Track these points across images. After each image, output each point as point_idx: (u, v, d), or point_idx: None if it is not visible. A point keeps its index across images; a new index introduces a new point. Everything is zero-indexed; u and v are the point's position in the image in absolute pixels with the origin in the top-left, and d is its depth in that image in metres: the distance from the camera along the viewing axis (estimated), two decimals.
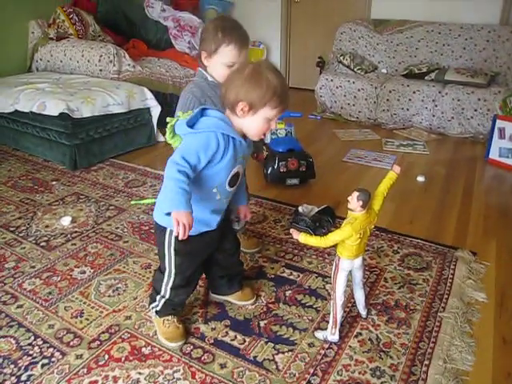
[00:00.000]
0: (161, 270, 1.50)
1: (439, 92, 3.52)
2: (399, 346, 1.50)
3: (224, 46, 1.52)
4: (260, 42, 5.03)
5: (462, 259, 1.97)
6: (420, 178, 2.79)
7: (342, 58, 4.10)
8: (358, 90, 3.81)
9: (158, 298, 1.52)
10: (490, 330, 1.59)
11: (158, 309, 1.54)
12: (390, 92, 3.67)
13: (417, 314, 1.65)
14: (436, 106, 3.53)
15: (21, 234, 2.21)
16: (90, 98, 2.92)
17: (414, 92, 3.59)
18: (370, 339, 1.53)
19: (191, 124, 1.26)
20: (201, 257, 1.50)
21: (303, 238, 1.37)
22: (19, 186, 2.73)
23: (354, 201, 1.33)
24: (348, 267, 1.43)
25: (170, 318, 1.54)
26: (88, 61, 3.47)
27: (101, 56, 3.41)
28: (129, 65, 3.54)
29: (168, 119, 1.30)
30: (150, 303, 1.57)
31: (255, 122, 1.29)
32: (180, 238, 1.20)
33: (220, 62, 1.57)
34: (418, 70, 3.76)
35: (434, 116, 3.57)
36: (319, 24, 4.77)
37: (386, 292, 1.77)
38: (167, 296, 1.50)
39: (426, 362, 1.43)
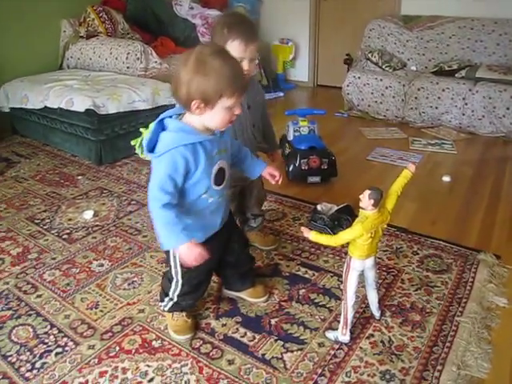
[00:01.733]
0: (168, 278, 1.49)
1: (469, 90, 3.38)
2: (412, 350, 1.46)
3: (230, 42, 1.52)
4: (288, 39, 4.99)
5: (484, 262, 1.89)
6: (445, 178, 2.70)
7: (370, 55, 4.02)
8: (386, 87, 3.72)
9: (166, 299, 1.52)
10: (509, 337, 1.51)
11: (166, 308, 1.54)
12: (419, 90, 3.56)
13: (433, 317, 1.60)
14: (466, 104, 3.40)
15: (45, 227, 2.28)
16: (115, 95, 2.98)
17: (444, 90, 3.47)
18: (382, 341, 1.49)
19: (152, 145, 1.20)
20: (208, 266, 1.41)
21: (313, 236, 1.35)
22: (47, 180, 2.83)
23: (365, 199, 1.30)
24: (359, 267, 1.40)
25: (178, 312, 1.55)
26: (116, 58, 3.54)
27: (128, 53, 3.48)
28: (156, 62, 3.59)
29: (133, 142, 1.26)
30: (160, 301, 1.57)
31: (216, 116, 1.19)
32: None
33: None
34: (448, 67, 3.64)
35: (463, 115, 3.44)
36: (348, 21, 4.69)
37: (402, 294, 1.72)
38: (175, 300, 1.50)
39: (439, 368, 1.39)
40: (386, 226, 1.38)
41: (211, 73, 1.13)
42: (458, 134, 3.46)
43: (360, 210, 1.34)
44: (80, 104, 2.88)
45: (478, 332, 1.52)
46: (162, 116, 1.25)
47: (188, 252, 1.22)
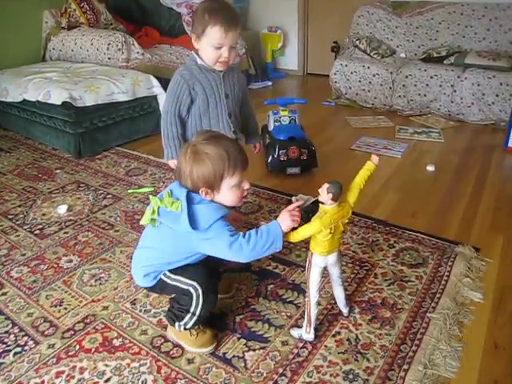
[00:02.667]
0: (183, 294, 1.35)
1: (458, 77, 3.30)
2: (379, 348, 1.41)
3: (210, 28, 1.50)
4: (277, 27, 4.89)
5: (461, 255, 1.84)
6: (430, 168, 2.63)
7: (358, 42, 3.92)
8: (373, 75, 3.64)
9: (187, 317, 1.37)
10: (481, 334, 1.46)
11: (188, 326, 1.39)
12: (407, 77, 3.48)
13: (404, 313, 1.55)
14: (455, 91, 3.32)
15: (18, 222, 2.24)
16: (93, 87, 2.92)
17: (432, 77, 3.39)
18: (348, 339, 1.45)
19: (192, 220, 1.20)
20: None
21: None
22: (24, 175, 2.78)
23: (324, 193, 1.24)
24: (321, 263, 1.35)
25: (196, 327, 1.42)
26: (97, 49, 3.47)
27: (109, 44, 3.40)
28: (138, 52, 3.52)
29: (148, 215, 1.25)
30: (176, 321, 1.40)
31: (226, 197, 1.26)
32: None
33: (208, 44, 1.55)
34: (437, 53, 3.55)
35: (452, 102, 3.36)
36: (337, 8, 4.58)
37: (374, 289, 1.67)
38: (198, 313, 1.36)
39: (405, 367, 1.34)
40: (347, 220, 1.32)
41: (206, 159, 1.21)
42: (446, 121, 3.39)
43: (320, 204, 1.29)
44: (57, 97, 2.82)
45: (449, 329, 1.47)
46: (185, 191, 1.24)
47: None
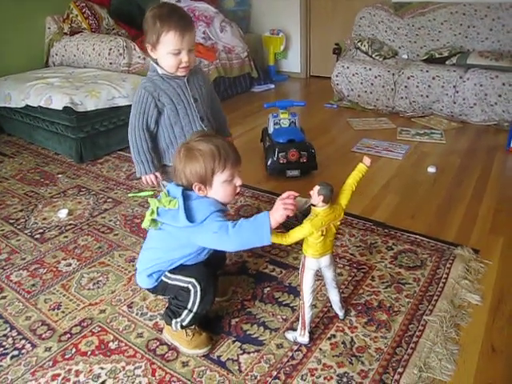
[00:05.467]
0: (183, 291, 1.37)
1: (460, 77, 3.28)
2: (374, 351, 1.40)
3: (164, 35, 1.45)
4: (280, 30, 4.90)
5: (460, 257, 1.82)
6: (431, 169, 2.61)
7: (359, 44, 3.91)
8: (375, 76, 3.62)
9: (184, 313, 1.38)
10: (478, 337, 1.45)
11: (184, 324, 1.40)
12: (409, 78, 3.46)
13: (400, 316, 1.54)
14: (457, 92, 3.29)
15: (19, 227, 2.26)
16: (94, 92, 2.94)
17: (434, 78, 3.37)
18: (343, 342, 1.44)
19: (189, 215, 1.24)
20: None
21: None
22: (27, 179, 2.81)
23: (315, 195, 1.24)
24: (314, 266, 1.34)
25: (192, 326, 1.43)
26: (99, 54, 3.50)
27: (110, 49, 3.43)
28: (139, 57, 3.54)
29: (149, 216, 1.28)
30: (173, 318, 1.41)
31: (218, 192, 1.30)
32: None
33: (165, 52, 1.50)
34: (439, 54, 3.52)
35: (454, 103, 3.33)
36: (339, 10, 4.58)
37: (371, 292, 1.66)
38: (195, 310, 1.37)
39: (400, 370, 1.33)
40: (339, 222, 1.32)
41: (197, 156, 1.25)
42: (449, 122, 3.36)
43: (311, 207, 1.29)
44: (58, 102, 2.85)
45: (445, 332, 1.46)
46: (181, 188, 1.28)
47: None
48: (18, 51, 3.73)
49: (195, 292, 1.35)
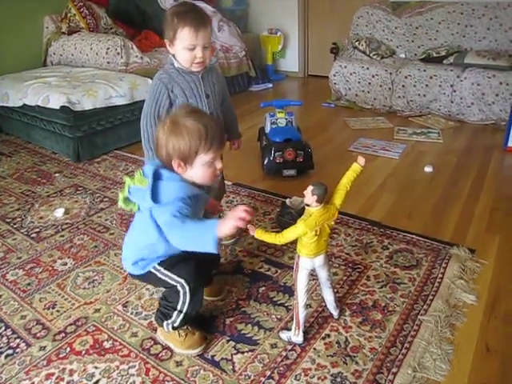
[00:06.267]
0: (171, 291, 1.37)
1: (458, 76, 3.28)
2: (368, 351, 1.40)
3: (180, 30, 1.53)
4: (278, 29, 4.90)
5: (456, 257, 1.82)
6: (427, 169, 2.61)
7: (357, 43, 3.91)
8: (373, 76, 3.63)
9: (174, 314, 1.38)
10: (473, 337, 1.45)
11: (175, 325, 1.40)
12: (406, 78, 3.46)
13: (395, 316, 1.53)
14: (454, 91, 3.30)
15: (15, 226, 2.26)
16: (91, 91, 2.94)
17: (431, 77, 3.37)
18: (337, 342, 1.44)
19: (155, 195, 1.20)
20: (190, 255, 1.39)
21: (259, 234, 1.29)
22: (24, 178, 2.80)
23: (308, 195, 1.24)
24: (308, 266, 1.34)
25: (184, 327, 1.43)
26: (96, 53, 3.49)
27: (108, 48, 3.43)
28: (137, 56, 3.53)
29: (120, 195, 1.25)
30: (164, 320, 1.41)
31: (198, 173, 1.25)
32: None
33: (181, 47, 1.57)
34: (437, 53, 3.52)
35: (452, 102, 3.34)
36: (337, 9, 4.58)
37: (366, 291, 1.66)
38: (185, 310, 1.37)
39: (394, 370, 1.33)
40: (333, 222, 1.31)
41: (183, 132, 1.20)
42: (446, 122, 3.36)
43: (305, 206, 1.28)
44: (55, 101, 2.85)
45: (440, 331, 1.46)
46: (153, 168, 1.23)
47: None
48: (16, 50, 3.72)
49: (184, 293, 1.34)
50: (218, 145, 1.24)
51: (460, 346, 1.41)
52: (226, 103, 1.86)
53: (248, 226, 1.32)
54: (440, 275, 1.73)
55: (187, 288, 1.33)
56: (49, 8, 3.86)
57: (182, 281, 1.33)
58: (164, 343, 1.46)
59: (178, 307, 1.36)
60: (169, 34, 1.57)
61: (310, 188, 1.23)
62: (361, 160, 1.33)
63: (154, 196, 1.20)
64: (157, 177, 1.22)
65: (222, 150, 1.29)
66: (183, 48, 1.56)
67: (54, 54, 3.79)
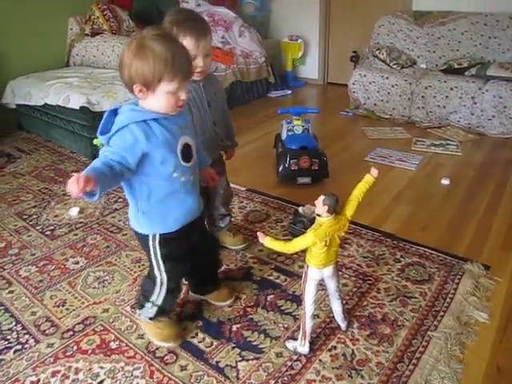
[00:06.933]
0: (151, 279, 1.42)
1: (479, 89, 3.22)
2: (374, 365, 1.38)
3: (180, 40, 1.46)
4: (298, 36, 4.90)
5: (469, 273, 1.78)
6: (444, 181, 2.57)
7: (377, 52, 3.89)
8: (392, 85, 3.59)
9: (148, 305, 1.44)
10: (484, 356, 1.41)
11: (149, 315, 1.46)
12: (426, 88, 3.42)
13: (404, 330, 1.51)
14: (475, 103, 3.24)
15: (31, 223, 2.30)
16: (111, 92, 2.99)
17: (452, 88, 3.32)
18: (343, 354, 1.42)
19: (107, 130, 1.18)
20: (188, 258, 1.44)
21: (268, 241, 1.29)
22: (42, 176, 2.86)
23: (319, 205, 1.23)
24: (317, 276, 1.33)
25: (162, 318, 1.48)
26: (117, 55, 3.55)
27: None
28: None
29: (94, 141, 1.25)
30: (139, 309, 1.49)
31: (160, 101, 1.18)
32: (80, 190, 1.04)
33: None
34: (458, 64, 3.47)
35: (472, 114, 3.28)
36: (358, 18, 4.56)
37: (375, 304, 1.64)
38: (159, 303, 1.42)
39: None
40: (344, 234, 1.30)
41: (149, 56, 1.12)
42: (466, 134, 3.31)
43: (316, 216, 1.27)
44: (75, 101, 2.90)
45: (449, 349, 1.42)
46: (117, 106, 1.23)
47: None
48: (40, 51, 3.81)
49: (160, 287, 1.41)
50: (185, 75, 1.17)
51: (470, 365, 1.38)
52: (225, 115, 1.82)
53: (258, 233, 1.33)
54: (452, 291, 1.69)
55: (165, 285, 1.40)
56: (73, 10, 3.95)
57: (164, 276, 1.38)
58: (143, 332, 1.52)
59: (153, 299, 1.43)
60: None
61: (322, 198, 1.22)
62: (374, 171, 1.32)
63: (104, 128, 1.18)
64: (114, 112, 1.21)
65: (189, 81, 1.24)
66: None
67: (77, 55, 3.87)
